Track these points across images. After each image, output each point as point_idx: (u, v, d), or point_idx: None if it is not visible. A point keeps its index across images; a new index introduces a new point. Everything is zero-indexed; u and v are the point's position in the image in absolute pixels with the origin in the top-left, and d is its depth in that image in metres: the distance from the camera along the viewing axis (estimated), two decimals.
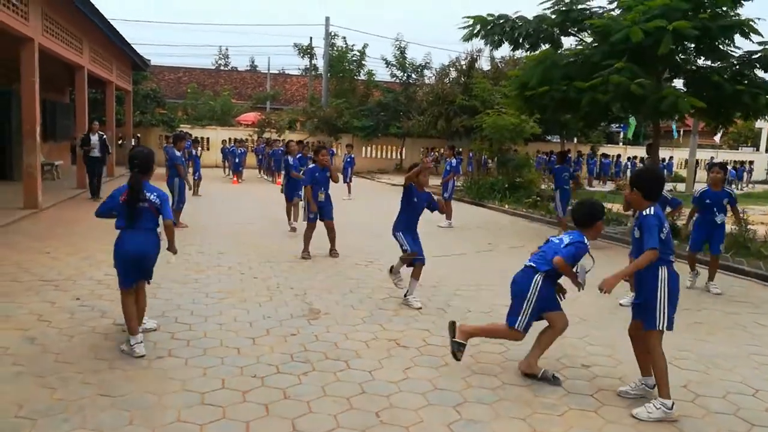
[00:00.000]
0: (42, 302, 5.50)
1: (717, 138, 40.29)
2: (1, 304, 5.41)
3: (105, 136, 13.85)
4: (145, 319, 4.90)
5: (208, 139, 28.68)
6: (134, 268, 4.43)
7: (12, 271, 6.61)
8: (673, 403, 3.67)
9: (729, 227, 8.00)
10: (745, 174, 31.97)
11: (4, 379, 3.85)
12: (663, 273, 3.77)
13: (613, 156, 32.97)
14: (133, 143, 24.10)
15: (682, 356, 4.82)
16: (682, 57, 11.10)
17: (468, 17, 12.58)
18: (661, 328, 3.77)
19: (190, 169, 14.74)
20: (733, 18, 9.93)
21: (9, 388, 3.73)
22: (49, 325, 4.89)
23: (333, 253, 8.25)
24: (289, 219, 10.49)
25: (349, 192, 16.27)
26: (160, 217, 4.53)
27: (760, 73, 10.71)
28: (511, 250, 9.59)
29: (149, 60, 23.27)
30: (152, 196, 4.43)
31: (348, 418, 3.54)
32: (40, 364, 4.10)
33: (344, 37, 33.87)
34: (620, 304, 6.31)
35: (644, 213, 3.82)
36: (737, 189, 26.89)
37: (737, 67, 10.72)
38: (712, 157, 33.21)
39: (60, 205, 12.45)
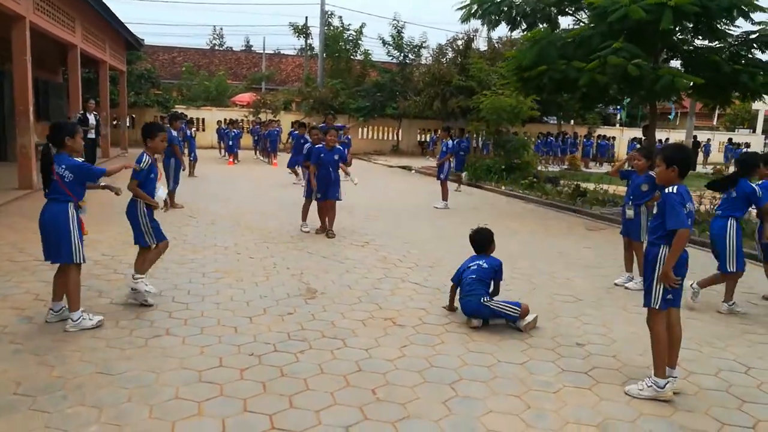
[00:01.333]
0: (38, 282, 5.50)
1: (715, 120, 40.23)
2: None
3: (99, 117, 13.65)
4: (146, 282, 5.07)
5: (203, 119, 28.49)
6: (43, 239, 4.44)
7: (8, 251, 6.61)
8: (666, 383, 3.68)
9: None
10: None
11: (2, 357, 3.86)
12: (663, 252, 3.68)
13: (609, 138, 32.92)
14: (127, 124, 23.97)
15: None
16: (680, 37, 11.05)
17: None
18: (655, 307, 3.74)
19: (186, 150, 14.66)
20: None
21: (8, 366, 3.74)
22: (46, 305, 4.87)
23: (329, 233, 8.26)
24: (304, 218, 8.79)
25: (347, 174, 16.22)
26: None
27: (758, 53, 10.69)
28: (506, 230, 9.61)
29: (143, 39, 23.01)
30: (60, 169, 4.33)
31: (345, 395, 3.58)
32: (38, 343, 4.11)
33: (340, 17, 33.56)
34: (615, 284, 6.36)
35: (668, 191, 3.69)
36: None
37: (735, 47, 10.68)
38: (708, 139, 33.18)
39: None
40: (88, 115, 13.00)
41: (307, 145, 9.53)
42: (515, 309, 4.79)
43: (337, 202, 8.46)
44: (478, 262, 5.02)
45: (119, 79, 22.73)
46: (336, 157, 8.30)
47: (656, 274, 3.70)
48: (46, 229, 4.39)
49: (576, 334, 4.83)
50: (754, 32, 10.44)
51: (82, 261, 4.47)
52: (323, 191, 8.25)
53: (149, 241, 5.05)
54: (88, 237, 4.67)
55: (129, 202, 5.00)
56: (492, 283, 4.98)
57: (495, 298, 4.90)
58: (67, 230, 4.36)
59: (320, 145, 8.39)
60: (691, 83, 9.97)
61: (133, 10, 76.31)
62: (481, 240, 5.21)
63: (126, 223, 5.13)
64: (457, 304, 5.08)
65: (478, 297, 4.80)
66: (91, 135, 12.92)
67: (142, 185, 4.94)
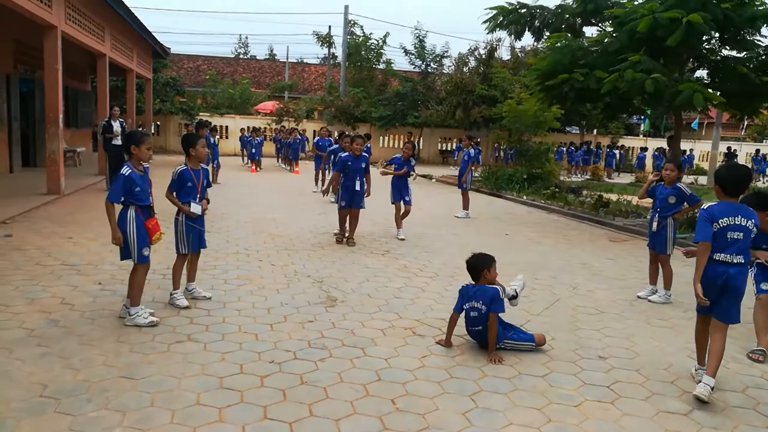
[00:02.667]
0: (65, 286, 5.61)
1: (742, 131, 39.47)
2: (25, 287, 5.53)
3: (125, 124, 13.83)
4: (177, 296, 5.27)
5: (226, 127, 28.84)
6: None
7: (36, 256, 6.74)
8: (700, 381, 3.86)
9: None
10: None
11: (29, 360, 3.94)
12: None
13: (630, 148, 32.64)
14: (152, 131, 24.36)
15: None
16: (707, 47, 10.91)
17: (490, 8, 12.55)
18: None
19: (210, 157, 14.84)
20: (759, 8, 9.72)
21: (34, 368, 3.82)
22: (72, 309, 4.99)
23: (350, 242, 8.28)
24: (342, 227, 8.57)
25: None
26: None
27: None
28: (527, 240, 9.54)
29: (169, 48, 23.41)
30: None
31: (364, 404, 3.57)
32: (64, 346, 4.19)
33: (362, 26, 33.80)
34: (638, 297, 6.27)
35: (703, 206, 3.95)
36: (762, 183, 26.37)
37: (764, 57, 10.51)
38: (728, 147, 32.39)
39: (82, 191, 12.64)
40: (112, 122, 13.16)
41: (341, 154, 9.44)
42: (529, 345, 4.54)
43: (360, 210, 8.42)
44: (476, 305, 4.47)
45: (145, 87, 23.15)
46: (363, 165, 8.26)
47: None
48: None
49: (598, 347, 4.77)
50: None
51: (137, 261, 4.71)
52: (347, 200, 8.22)
53: (182, 249, 5.29)
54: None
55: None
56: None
57: (508, 331, 4.56)
58: (124, 232, 4.63)
59: (347, 154, 8.39)
60: (717, 94, 9.80)
61: (160, 19, 77.75)
62: (469, 268, 4.75)
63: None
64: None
65: (485, 337, 4.47)
66: (116, 142, 13.04)
67: (178, 194, 5.25)
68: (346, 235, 8.41)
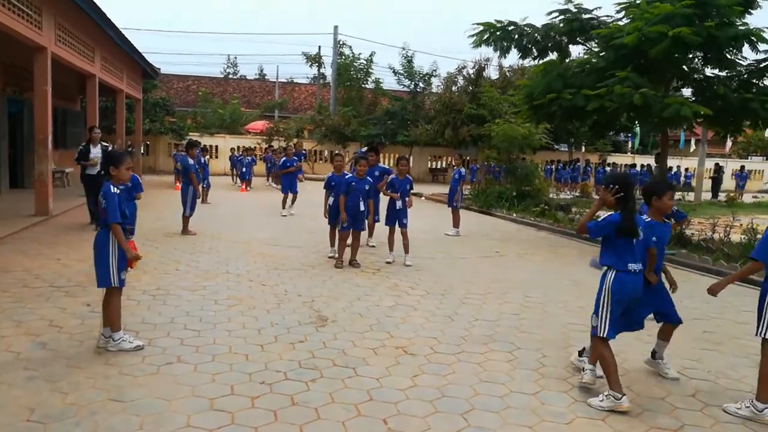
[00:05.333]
0: (53, 308, 5.56)
1: (727, 147, 40.03)
2: (12, 309, 5.47)
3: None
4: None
5: (216, 147, 28.83)
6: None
7: (23, 277, 6.68)
8: (765, 408, 3.81)
9: None
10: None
11: (16, 384, 3.89)
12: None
13: (619, 165, 32.99)
14: (142, 151, 24.31)
15: (691, 365, 4.81)
16: (690, 66, 11.12)
17: (477, 24, 12.73)
18: (761, 335, 3.97)
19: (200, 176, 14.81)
20: (741, 27, 9.94)
21: (21, 392, 3.77)
22: (60, 331, 4.94)
23: (354, 263, 8.15)
24: (332, 244, 8.74)
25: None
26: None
27: None
28: (518, 258, 9.58)
29: (159, 68, 23.48)
30: (100, 196, 4.51)
31: (356, 424, 3.55)
32: (52, 369, 4.14)
33: (350, 46, 34.16)
34: None
35: None
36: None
37: (746, 76, 10.72)
38: (716, 163, 32.87)
39: (70, 212, 12.55)
40: (91, 147, 10.61)
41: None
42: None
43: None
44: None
45: (135, 107, 23.13)
46: (366, 187, 8.10)
47: (766, 304, 3.91)
48: (94, 254, 4.56)
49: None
50: (763, 61, 10.47)
51: (117, 285, 4.53)
52: (350, 221, 7.99)
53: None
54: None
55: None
56: None
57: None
58: (104, 255, 4.47)
59: (350, 175, 8.18)
60: (701, 112, 9.95)
61: (150, 40, 77.96)
62: (642, 192, 4.66)
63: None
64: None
65: None
66: (90, 171, 10.40)
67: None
68: (349, 259, 8.20)
